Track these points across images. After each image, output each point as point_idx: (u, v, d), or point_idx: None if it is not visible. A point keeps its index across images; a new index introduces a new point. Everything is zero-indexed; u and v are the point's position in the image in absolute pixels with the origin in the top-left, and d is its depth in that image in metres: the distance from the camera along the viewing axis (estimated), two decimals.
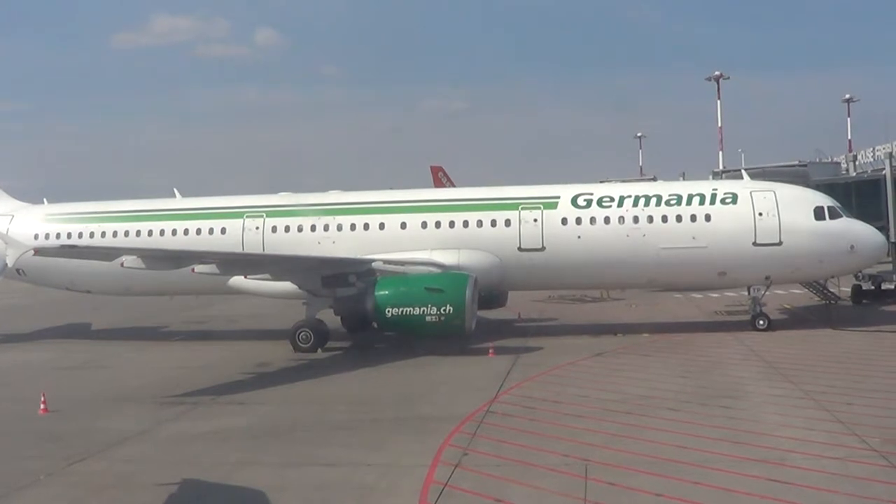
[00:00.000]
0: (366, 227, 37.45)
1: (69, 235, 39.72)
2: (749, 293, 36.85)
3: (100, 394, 28.14)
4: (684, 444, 18.97)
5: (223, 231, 38.61)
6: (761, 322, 36.06)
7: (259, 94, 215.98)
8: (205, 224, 39.06)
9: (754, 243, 34.75)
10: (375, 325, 34.63)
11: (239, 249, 37.51)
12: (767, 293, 37.05)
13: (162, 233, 39.21)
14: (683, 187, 37.63)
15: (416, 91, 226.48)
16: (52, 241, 38.80)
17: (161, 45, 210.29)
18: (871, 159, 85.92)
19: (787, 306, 44.08)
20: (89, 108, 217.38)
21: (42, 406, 24.96)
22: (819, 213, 35.02)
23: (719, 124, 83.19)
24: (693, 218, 35.39)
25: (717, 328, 37.97)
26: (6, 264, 33.41)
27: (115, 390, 28.74)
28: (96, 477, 18.50)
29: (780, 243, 34.62)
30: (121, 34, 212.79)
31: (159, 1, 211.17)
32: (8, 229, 39.55)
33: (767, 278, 35.88)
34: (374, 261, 35.14)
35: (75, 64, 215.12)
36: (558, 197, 36.75)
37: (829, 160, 77.95)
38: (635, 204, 35.93)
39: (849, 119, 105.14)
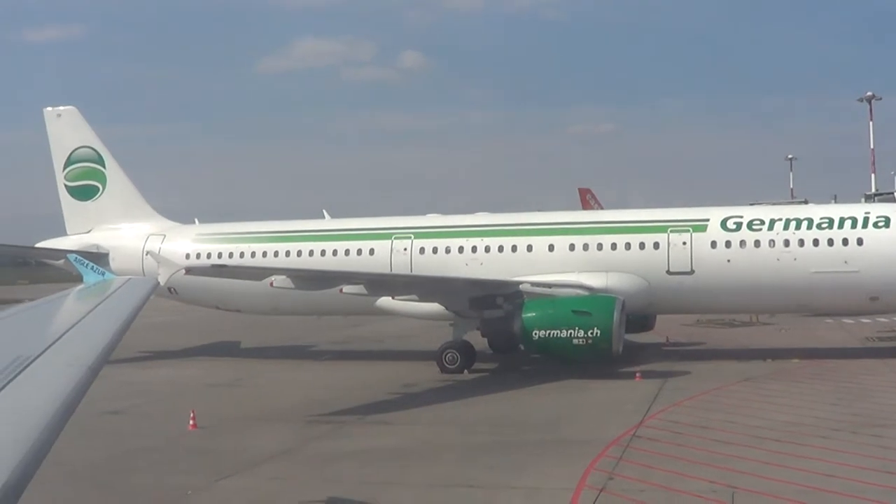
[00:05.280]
0: (513, 249, 37.10)
1: (219, 255, 40.21)
2: None
3: (247, 411, 28.46)
4: (834, 472, 18.21)
5: (371, 252, 38.67)
6: None
7: (404, 115, 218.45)
8: (353, 245, 39.18)
9: None
10: (522, 346, 34.36)
11: (387, 270, 37.60)
12: None
13: (311, 253, 39.35)
14: (835, 210, 36.43)
15: (563, 113, 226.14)
16: (203, 261, 39.44)
17: (307, 67, 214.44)
18: None
19: None
20: (239, 130, 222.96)
21: (191, 422, 25.22)
22: None
23: (871, 146, 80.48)
24: (845, 242, 34.14)
25: (869, 355, 36.67)
26: (158, 283, 34.11)
27: (263, 408, 29.09)
28: (243, 493, 18.66)
29: None
30: (267, 58, 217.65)
31: (305, 25, 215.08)
32: (160, 248, 40.25)
33: None
34: (521, 283, 34.79)
35: (224, 87, 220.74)
36: (707, 219, 35.90)
37: None
38: (786, 227, 34.85)
39: None
